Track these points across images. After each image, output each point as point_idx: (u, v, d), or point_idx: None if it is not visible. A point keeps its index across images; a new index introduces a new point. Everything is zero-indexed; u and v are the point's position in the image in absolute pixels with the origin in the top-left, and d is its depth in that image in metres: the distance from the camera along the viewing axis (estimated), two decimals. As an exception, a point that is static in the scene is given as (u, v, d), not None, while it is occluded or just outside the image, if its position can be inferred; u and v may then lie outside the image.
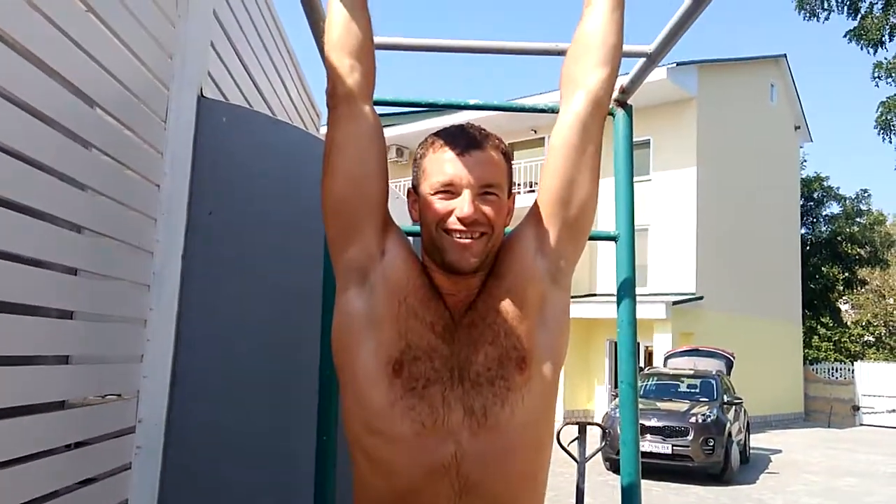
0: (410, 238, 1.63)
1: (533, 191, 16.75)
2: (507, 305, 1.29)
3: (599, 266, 19.51)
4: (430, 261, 1.32)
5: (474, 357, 1.27)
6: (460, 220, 1.25)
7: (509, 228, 1.43)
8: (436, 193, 1.28)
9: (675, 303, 17.72)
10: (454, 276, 1.29)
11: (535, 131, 20.91)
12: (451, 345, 1.28)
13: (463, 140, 1.30)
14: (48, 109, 1.54)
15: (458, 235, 1.25)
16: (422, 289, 1.30)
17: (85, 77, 1.71)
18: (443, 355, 1.26)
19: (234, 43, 2.62)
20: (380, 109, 1.46)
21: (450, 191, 1.27)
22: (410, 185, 1.38)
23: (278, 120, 2.84)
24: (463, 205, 1.25)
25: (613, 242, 2.22)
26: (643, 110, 18.50)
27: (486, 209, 1.26)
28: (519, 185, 21.11)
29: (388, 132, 23.29)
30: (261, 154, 2.34)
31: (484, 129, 1.35)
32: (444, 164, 1.28)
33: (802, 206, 27.58)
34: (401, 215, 1.49)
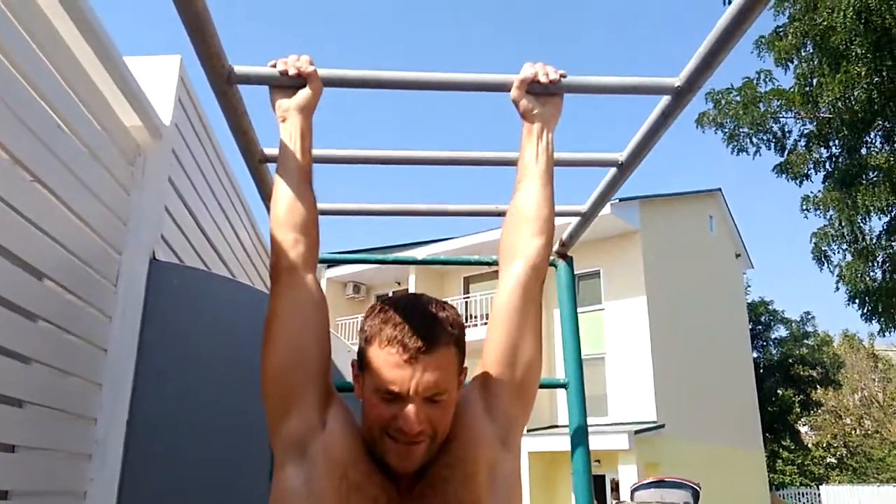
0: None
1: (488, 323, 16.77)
2: (456, 474, 1.25)
3: (560, 398, 19.38)
4: (371, 447, 1.26)
5: None
6: (401, 430, 1.18)
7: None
8: (380, 397, 1.20)
9: (637, 432, 17.55)
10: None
11: (492, 265, 21.28)
12: None
13: (413, 339, 1.20)
14: (-5, 285, 1.56)
15: (399, 442, 1.19)
16: (363, 462, 1.25)
17: (31, 249, 1.73)
18: None
19: (189, 207, 2.69)
20: (336, 247, 1.46)
21: (394, 398, 1.19)
22: (355, 357, 1.34)
23: (230, 279, 2.88)
24: (408, 416, 1.18)
25: (564, 389, 2.25)
26: (592, 243, 19.12)
27: (433, 415, 1.20)
28: (476, 317, 21.23)
29: (345, 269, 23.49)
30: (212, 313, 2.36)
31: (438, 313, 1.28)
32: (391, 370, 1.19)
33: (751, 330, 28.20)
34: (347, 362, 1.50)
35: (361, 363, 1.28)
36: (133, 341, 2.16)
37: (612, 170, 1.83)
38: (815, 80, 14.94)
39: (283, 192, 1.39)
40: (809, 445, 34.47)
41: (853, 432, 37.06)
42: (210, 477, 2.19)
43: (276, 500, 1.26)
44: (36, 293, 1.77)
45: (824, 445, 36.03)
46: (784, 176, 16.25)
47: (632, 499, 14.37)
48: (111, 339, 2.13)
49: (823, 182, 16.04)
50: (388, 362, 1.19)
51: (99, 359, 2.09)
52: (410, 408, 1.18)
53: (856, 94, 14.29)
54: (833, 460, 35.73)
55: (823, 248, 16.07)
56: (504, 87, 1.48)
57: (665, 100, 1.52)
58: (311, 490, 1.22)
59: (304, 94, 1.41)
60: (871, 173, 14.97)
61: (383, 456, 1.21)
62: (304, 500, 1.22)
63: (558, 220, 1.69)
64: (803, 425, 35.34)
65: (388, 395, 1.19)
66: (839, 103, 14.74)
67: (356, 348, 1.35)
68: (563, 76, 1.46)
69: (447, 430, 1.25)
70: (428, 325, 1.23)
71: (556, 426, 19.29)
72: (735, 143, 17.20)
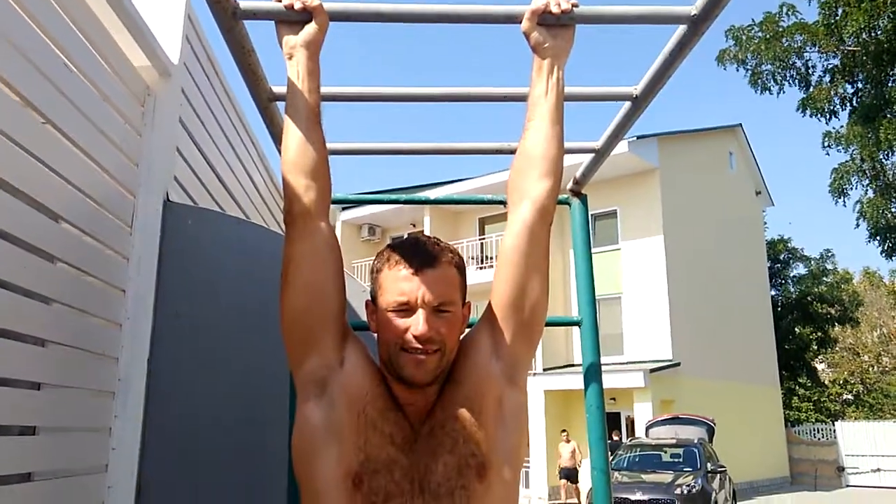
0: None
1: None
2: (465, 412, 1.32)
3: (576, 337, 19.54)
4: (387, 371, 1.36)
5: (434, 467, 1.28)
6: (416, 337, 1.28)
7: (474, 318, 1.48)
8: (392, 311, 1.31)
9: (652, 370, 17.73)
10: (411, 388, 1.32)
11: (505, 205, 21.23)
12: (411, 455, 1.29)
13: (418, 258, 1.34)
14: (11, 227, 1.57)
15: (413, 352, 1.29)
16: (380, 399, 1.33)
17: (47, 191, 1.74)
18: (402, 467, 1.28)
19: (201, 147, 2.68)
20: (349, 190, 1.49)
21: (405, 309, 1.30)
22: (369, 297, 1.41)
23: (243, 220, 2.89)
24: (418, 323, 1.28)
25: (578, 327, 2.26)
26: (608, 182, 18.98)
27: (440, 327, 1.30)
28: (491, 258, 21.29)
29: (360, 211, 23.54)
30: (227, 254, 2.38)
31: (439, 243, 1.40)
32: (400, 283, 1.32)
33: (770, 268, 28.09)
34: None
35: (374, 293, 1.38)
36: (150, 282, 2.19)
37: (627, 104, 1.80)
38: (840, 11, 14.46)
39: (292, 135, 1.40)
40: (826, 382, 34.67)
41: (871, 369, 37.19)
42: (230, 410, 2.25)
43: (299, 435, 1.34)
44: (53, 235, 1.79)
45: (841, 382, 36.23)
46: (807, 113, 15.92)
47: (647, 435, 14.65)
48: (129, 280, 2.16)
49: (849, 118, 15.71)
50: (398, 277, 1.33)
51: (118, 299, 2.12)
52: (420, 313, 1.29)
53: (881, 23, 13.84)
54: (849, 397, 35.96)
55: (843, 184, 15.84)
56: (515, 19, 1.45)
57: (681, 29, 1.48)
58: (330, 424, 1.31)
59: (311, 28, 1.40)
60: (895, 107, 14.60)
61: (400, 371, 1.30)
62: (324, 434, 1.30)
63: (572, 157, 1.67)
64: (820, 363, 35.49)
65: (400, 308, 1.31)
66: (864, 34, 14.30)
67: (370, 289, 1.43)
68: (575, 6, 1.44)
69: (454, 347, 1.35)
70: (430, 248, 1.37)
71: (572, 365, 19.53)
72: (758, 81, 16.82)
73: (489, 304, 1.43)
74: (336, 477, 1.27)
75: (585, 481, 18.09)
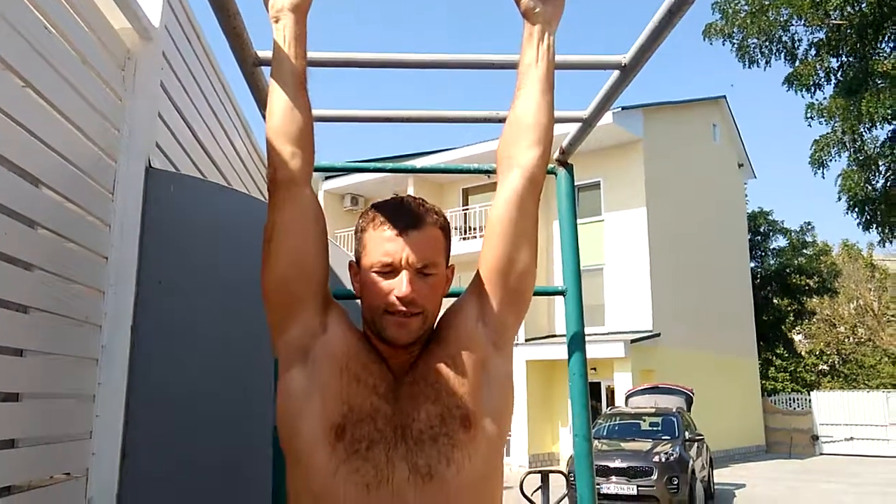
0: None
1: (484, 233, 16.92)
2: (448, 367, 1.33)
3: (558, 308, 19.68)
4: (370, 332, 1.36)
5: (416, 414, 1.29)
6: (399, 299, 1.28)
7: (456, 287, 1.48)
8: (375, 272, 1.31)
9: (633, 341, 17.93)
10: (394, 348, 1.33)
11: (489, 177, 21.18)
12: (394, 404, 1.30)
13: (402, 219, 1.33)
14: (-9, 192, 1.55)
15: (396, 314, 1.29)
16: (363, 353, 1.34)
17: (28, 156, 1.71)
18: (386, 415, 1.29)
19: (182, 113, 2.64)
20: (333, 158, 1.48)
21: (389, 271, 1.30)
22: (353, 258, 1.41)
23: (225, 187, 2.86)
24: (401, 284, 1.29)
25: (562, 297, 2.28)
26: (592, 153, 18.98)
27: (424, 289, 1.30)
28: (475, 228, 21.31)
29: (343, 181, 23.40)
30: (209, 222, 2.36)
31: (424, 203, 1.40)
32: (384, 244, 1.31)
33: (750, 240, 28.35)
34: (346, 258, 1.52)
35: (358, 253, 1.37)
36: (133, 249, 2.17)
37: (615, 73, 1.79)
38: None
39: (278, 100, 1.38)
40: (802, 353, 35.26)
41: (846, 340, 37.85)
42: (213, 376, 2.25)
43: (283, 401, 1.34)
44: (34, 200, 1.76)
45: (817, 353, 36.86)
46: (793, 88, 15.94)
47: (626, 404, 14.85)
48: (111, 247, 2.14)
49: (833, 91, 15.76)
50: (382, 238, 1.32)
51: (100, 266, 2.10)
52: (404, 274, 1.29)
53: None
54: (825, 367, 36.62)
55: (823, 156, 15.95)
56: (504, -16, 1.42)
57: (671, -4, 1.47)
58: (314, 384, 1.31)
59: None
60: (878, 80, 14.66)
61: (383, 332, 1.31)
62: (307, 395, 1.31)
63: (559, 127, 1.66)
64: (797, 334, 36.04)
65: (383, 269, 1.31)
66: (848, 7, 14.30)
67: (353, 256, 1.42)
68: None
69: (436, 310, 1.36)
70: (415, 210, 1.37)
71: (554, 335, 19.70)
72: (745, 55, 16.79)
73: (476, 272, 1.43)
74: (319, 432, 1.27)
75: (567, 448, 18.37)
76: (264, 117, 1.55)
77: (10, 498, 1.68)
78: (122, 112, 2.22)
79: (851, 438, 23.56)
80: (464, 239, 20.80)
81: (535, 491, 5.47)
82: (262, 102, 1.79)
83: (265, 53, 1.68)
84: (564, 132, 2.28)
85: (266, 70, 1.69)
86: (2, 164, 1.61)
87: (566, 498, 5.93)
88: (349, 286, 1.47)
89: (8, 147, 1.62)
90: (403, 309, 1.28)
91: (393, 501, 1.24)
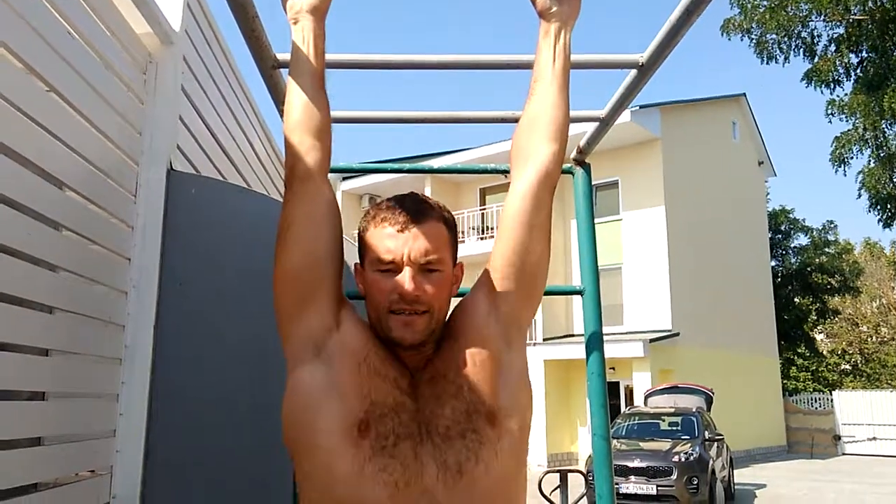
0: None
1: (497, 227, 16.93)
2: (465, 363, 1.29)
3: (576, 307, 19.61)
4: (377, 333, 1.32)
5: (440, 411, 1.25)
6: (402, 297, 1.25)
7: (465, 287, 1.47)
8: (378, 271, 1.28)
9: (652, 340, 17.82)
10: (403, 350, 1.29)
11: (506, 176, 21.16)
12: (416, 400, 1.26)
13: (403, 214, 1.29)
14: (17, 195, 1.58)
15: (401, 313, 1.25)
16: (380, 349, 1.30)
17: (52, 159, 1.74)
18: (409, 410, 1.25)
19: (203, 116, 2.67)
20: (350, 160, 1.44)
21: (391, 269, 1.27)
22: (357, 260, 1.38)
23: (245, 189, 2.89)
24: (404, 282, 1.25)
25: (580, 296, 2.28)
26: (610, 152, 18.89)
27: (428, 286, 1.26)
28: (492, 228, 21.27)
29: (361, 181, 23.47)
30: (230, 223, 2.38)
31: (427, 199, 1.36)
32: (385, 241, 1.28)
33: (771, 239, 28.08)
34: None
35: (361, 254, 1.34)
36: (155, 250, 2.20)
37: (633, 72, 1.79)
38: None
39: (296, 97, 1.39)
40: (824, 353, 34.87)
41: (869, 339, 37.37)
42: (235, 375, 2.28)
43: (293, 399, 1.29)
44: (58, 203, 1.79)
45: (839, 353, 36.44)
46: (812, 84, 15.78)
47: (645, 404, 14.77)
48: (133, 249, 2.17)
49: (853, 87, 15.57)
50: (383, 235, 1.29)
51: (123, 267, 2.14)
52: (407, 272, 1.26)
53: (888, -10, 13.66)
54: (847, 367, 36.20)
55: (844, 153, 15.76)
56: (521, -16, 1.43)
57: (688, -5, 1.47)
58: (331, 380, 1.27)
59: None
60: (900, 76, 14.46)
61: (388, 333, 1.27)
62: (324, 391, 1.26)
63: (576, 126, 1.67)
64: (819, 333, 35.65)
65: (385, 266, 1.27)
66: (870, 2, 14.12)
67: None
68: None
69: (444, 308, 1.32)
70: (416, 204, 1.32)
71: (572, 335, 19.63)
72: (764, 51, 16.64)
73: (487, 268, 1.40)
74: (340, 428, 1.22)
75: (585, 448, 18.30)
76: (282, 115, 1.57)
77: (36, 495, 1.72)
78: (143, 115, 2.25)
79: (874, 438, 23.26)
80: (481, 239, 20.79)
81: (553, 490, 5.46)
82: (280, 104, 1.81)
83: (284, 56, 1.70)
84: (582, 132, 2.28)
85: (285, 72, 1.71)
86: (27, 167, 1.64)
87: (584, 497, 5.91)
88: None
89: (33, 150, 1.65)
90: (408, 307, 1.25)
91: (422, 501, 1.20)
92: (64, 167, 1.81)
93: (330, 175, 1.46)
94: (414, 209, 1.31)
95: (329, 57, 1.48)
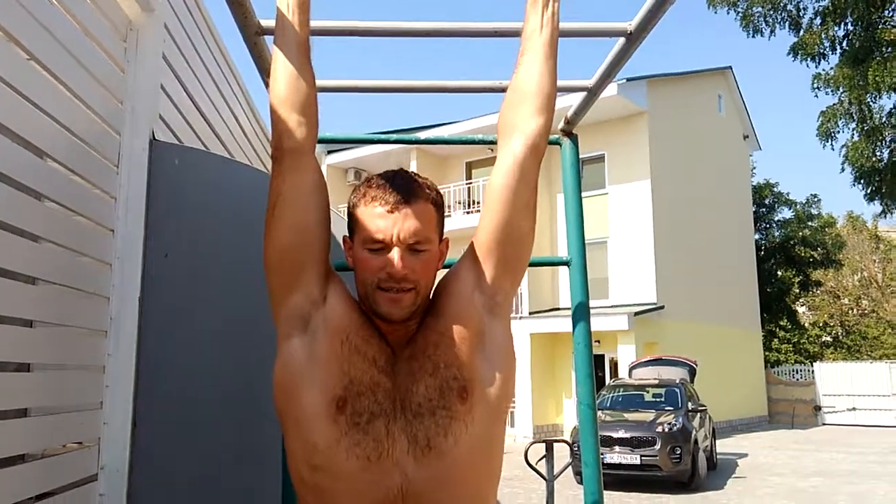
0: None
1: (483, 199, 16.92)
2: (445, 339, 1.33)
3: (562, 281, 19.72)
4: (364, 307, 1.36)
5: (414, 388, 1.30)
6: (390, 276, 1.28)
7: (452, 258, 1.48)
8: (367, 249, 1.31)
9: (637, 313, 17.97)
10: (389, 324, 1.33)
11: (492, 150, 21.11)
12: (394, 378, 1.31)
13: (393, 194, 1.32)
14: (-2, 164, 1.55)
15: (388, 290, 1.29)
16: (363, 327, 1.34)
17: (33, 128, 1.71)
18: (385, 388, 1.30)
19: (185, 85, 2.63)
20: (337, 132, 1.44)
21: (380, 248, 1.30)
22: (346, 233, 1.41)
23: (230, 159, 2.86)
24: (392, 261, 1.28)
25: (567, 267, 2.29)
26: (596, 125, 18.88)
27: (416, 265, 1.30)
28: (478, 203, 21.26)
29: (346, 155, 23.33)
30: (214, 195, 2.36)
31: (417, 178, 1.38)
32: (375, 220, 1.30)
33: (755, 212, 28.27)
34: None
35: (351, 229, 1.37)
36: (139, 221, 2.18)
37: (621, 41, 1.78)
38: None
39: (282, 69, 1.38)
40: (806, 325, 35.32)
41: (850, 312, 37.88)
42: (222, 347, 2.28)
43: (281, 370, 1.35)
44: (40, 172, 1.76)
45: (821, 325, 36.93)
46: (798, 58, 15.77)
47: (630, 376, 14.93)
48: (117, 220, 2.15)
49: (838, 60, 15.57)
50: (373, 214, 1.31)
51: (107, 239, 2.12)
52: (395, 252, 1.29)
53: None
54: (828, 339, 36.71)
55: (830, 127, 15.83)
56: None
57: (676, -39, 1.46)
58: (314, 355, 1.32)
59: None
60: (884, 49, 14.49)
61: (375, 308, 1.31)
62: (308, 365, 1.31)
63: (563, 99, 1.66)
64: (801, 305, 36.07)
65: (375, 245, 1.30)
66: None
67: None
68: None
69: (430, 285, 1.35)
70: (407, 184, 1.34)
71: (558, 308, 19.75)
72: (750, 24, 16.58)
73: (473, 241, 1.42)
74: (320, 403, 1.28)
75: (570, 420, 18.51)
76: (267, 86, 1.55)
77: (24, 466, 1.71)
78: (124, 84, 2.21)
79: (854, 409, 23.68)
80: (467, 213, 20.78)
81: (539, 460, 5.53)
82: (264, 72, 1.79)
83: (268, 22, 1.67)
84: (569, 104, 2.27)
85: (269, 40, 1.69)
86: (8, 136, 1.61)
87: (570, 466, 5.99)
88: None
89: (14, 119, 1.62)
90: (395, 285, 1.28)
91: (392, 474, 1.26)
92: (45, 136, 1.78)
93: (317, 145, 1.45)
94: (404, 189, 1.33)
95: (314, 24, 1.46)
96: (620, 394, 13.58)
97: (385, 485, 1.26)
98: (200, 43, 2.88)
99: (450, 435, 1.28)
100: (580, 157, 2.34)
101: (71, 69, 1.90)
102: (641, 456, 11.11)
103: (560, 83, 1.49)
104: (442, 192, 1.43)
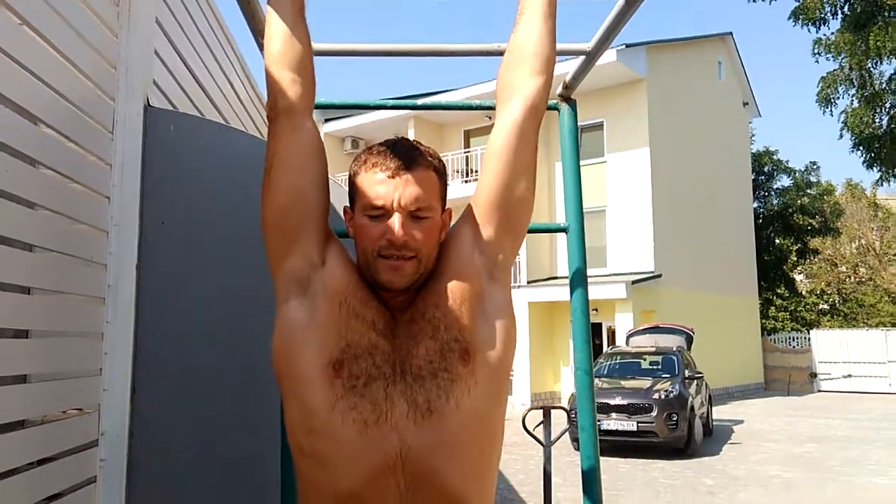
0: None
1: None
2: (445, 301, 1.31)
3: (559, 250, 19.74)
4: (365, 276, 1.34)
5: (415, 351, 1.28)
6: (390, 242, 1.26)
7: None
8: (368, 216, 1.29)
9: (634, 282, 18.02)
10: (389, 292, 1.31)
11: (490, 118, 20.98)
12: (393, 341, 1.29)
13: (394, 160, 1.30)
14: (-10, 130, 1.54)
15: (389, 258, 1.27)
16: (361, 290, 1.32)
17: (26, 94, 1.70)
18: (384, 351, 1.28)
19: (179, 50, 2.60)
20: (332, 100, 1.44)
21: (381, 214, 1.28)
22: (346, 203, 1.39)
23: (225, 126, 2.84)
24: (393, 227, 1.26)
25: (565, 233, 2.28)
26: (595, 93, 18.74)
27: (417, 232, 1.28)
28: (476, 171, 21.18)
29: (343, 123, 23.17)
30: (210, 161, 2.35)
31: (418, 146, 1.35)
32: (376, 187, 1.28)
33: (753, 180, 28.20)
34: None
35: (352, 197, 1.34)
36: (135, 188, 2.17)
37: (620, 2, 1.75)
38: None
39: (276, 29, 1.36)
40: (803, 293, 35.44)
41: (847, 280, 37.99)
42: (219, 314, 2.28)
43: (280, 333, 1.34)
44: (34, 138, 1.75)
45: (818, 292, 37.05)
46: (799, 22, 15.60)
47: (627, 344, 15.03)
48: (112, 187, 2.14)
49: (840, 25, 15.41)
50: (374, 181, 1.29)
51: (103, 206, 2.11)
52: (396, 218, 1.26)
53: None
54: (825, 307, 36.87)
55: (830, 93, 15.72)
56: None
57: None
58: (313, 318, 1.30)
59: None
60: (886, 13, 14.32)
61: (376, 276, 1.29)
62: (307, 328, 1.30)
63: (562, 65, 1.64)
64: (798, 273, 36.15)
65: (375, 212, 1.28)
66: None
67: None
68: None
69: (432, 254, 1.32)
70: (408, 151, 1.32)
71: (556, 277, 19.79)
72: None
73: (471, 203, 1.41)
74: (317, 365, 1.27)
75: (568, 387, 18.66)
76: (261, 48, 1.53)
77: (24, 431, 1.73)
78: (117, 49, 2.18)
79: (850, 376, 23.88)
80: (465, 182, 20.71)
81: (536, 426, 5.59)
82: (258, 33, 1.76)
83: (262, -16, 1.65)
84: (565, 72, 2.25)
85: (262, 2, 1.66)
86: (1, 102, 1.59)
87: (567, 433, 6.05)
88: None
89: (7, 84, 1.60)
90: (396, 252, 1.26)
91: (391, 438, 1.23)
92: (39, 102, 1.76)
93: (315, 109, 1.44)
94: (405, 155, 1.31)
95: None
96: (617, 361, 13.68)
97: (383, 449, 1.23)
98: (194, 6, 2.84)
99: (451, 398, 1.26)
100: (578, 124, 2.33)
101: (63, 33, 1.87)
102: (638, 423, 11.22)
103: (558, 47, 1.47)
104: (435, 151, 1.40)
